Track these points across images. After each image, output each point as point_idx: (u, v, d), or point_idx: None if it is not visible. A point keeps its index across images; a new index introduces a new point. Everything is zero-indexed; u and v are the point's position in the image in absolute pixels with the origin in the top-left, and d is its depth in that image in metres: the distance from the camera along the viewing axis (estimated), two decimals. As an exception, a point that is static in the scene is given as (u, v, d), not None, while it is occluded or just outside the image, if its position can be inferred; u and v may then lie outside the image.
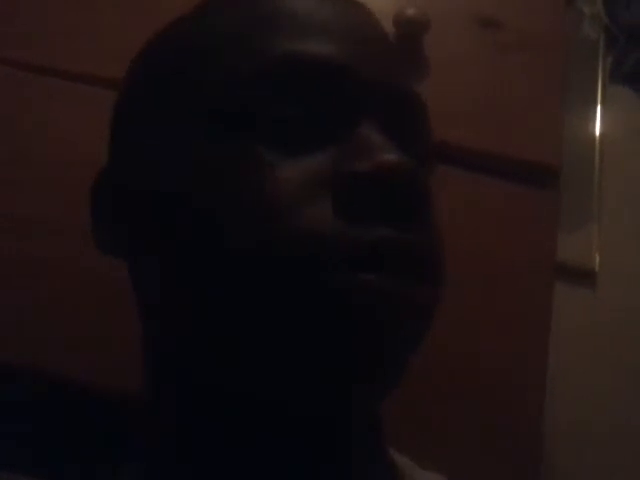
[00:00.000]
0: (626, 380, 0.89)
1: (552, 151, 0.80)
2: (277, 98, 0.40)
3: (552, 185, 0.79)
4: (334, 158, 0.40)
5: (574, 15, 1.05)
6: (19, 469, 0.57)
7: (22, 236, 0.70)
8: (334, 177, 0.39)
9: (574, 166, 0.95)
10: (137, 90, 0.48)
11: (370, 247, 0.37)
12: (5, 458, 0.57)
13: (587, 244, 0.96)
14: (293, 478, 0.42)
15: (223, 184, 0.39)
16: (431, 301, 0.41)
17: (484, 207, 0.76)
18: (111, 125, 0.50)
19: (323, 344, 0.38)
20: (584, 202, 0.98)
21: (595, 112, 1.05)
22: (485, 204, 0.76)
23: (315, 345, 0.38)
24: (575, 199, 0.96)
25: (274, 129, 0.40)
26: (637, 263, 0.97)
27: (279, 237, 0.37)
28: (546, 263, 0.75)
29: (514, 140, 0.80)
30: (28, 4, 0.81)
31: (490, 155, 0.79)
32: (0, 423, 0.65)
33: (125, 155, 0.48)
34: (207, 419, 0.43)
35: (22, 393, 0.67)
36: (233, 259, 0.39)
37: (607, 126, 1.04)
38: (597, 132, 1.03)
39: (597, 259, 0.96)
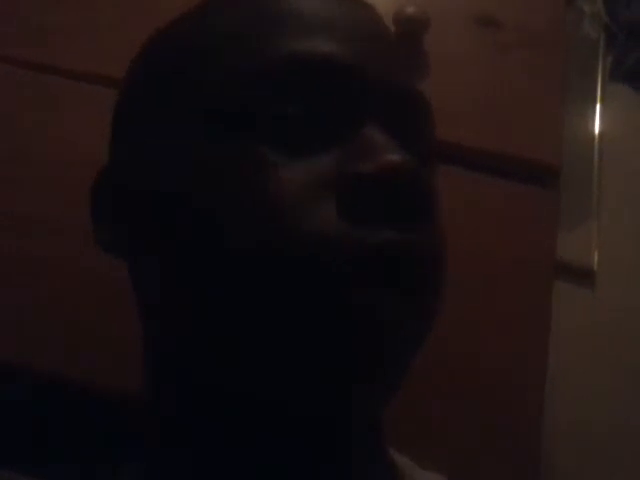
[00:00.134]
0: (625, 379, 0.89)
1: (552, 150, 0.80)
2: (280, 98, 0.40)
3: (552, 184, 0.79)
4: (338, 159, 0.40)
5: (574, 14, 1.05)
6: (19, 469, 0.57)
7: (22, 235, 0.70)
8: (338, 178, 0.39)
9: (573, 164, 0.94)
10: (137, 89, 0.48)
11: (373, 250, 0.37)
12: (5, 458, 0.57)
13: (586, 243, 0.96)
14: (293, 478, 0.42)
15: (224, 184, 0.39)
16: (433, 302, 0.41)
17: (484, 206, 0.76)
18: (112, 124, 0.50)
19: (323, 344, 0.37)
20: (583, 200, 0.98)
21: (595, 110, 1.05)
22: (485, 203, 0.76)
23: (315, 345, 0.38)
24: (574, 197, 0.96)
25: (277, 129, 0.40)
26: (636, 262, 0.96)
27: (281, 238, 0.37)
28: (546, 262, 0.76)
29: (514, 139, 0.80)
30: (28, 2, 0.81)
31: (490, 154, 0.79)
32: (0, 423, 0.64)
33: (125, 154, 0.47)
34: (207, 419, 0.43)
35: (22, 393, 0.67)
36: (234, 259, 0.38)
37: (607, 124, 1.04)
38: (597, 130, 1.03)
39: (596, 258, 0.95)
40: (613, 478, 0.84)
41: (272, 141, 0.40)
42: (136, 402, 0.49)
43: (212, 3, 0.47)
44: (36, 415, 0.67)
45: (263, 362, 0.39)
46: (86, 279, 0.68)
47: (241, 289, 0.38)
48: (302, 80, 0.40)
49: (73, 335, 0.66)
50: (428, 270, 0.40)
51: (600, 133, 1.03)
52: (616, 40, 1.08)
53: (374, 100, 0.42)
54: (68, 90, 0.77)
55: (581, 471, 0.84)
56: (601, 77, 1.06)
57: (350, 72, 0.41)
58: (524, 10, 0.86)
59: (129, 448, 0.50)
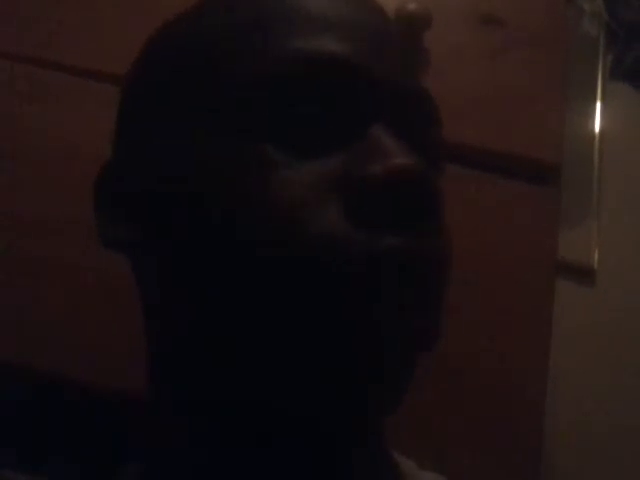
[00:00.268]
0: (626, 378, 0.89)
1: (553, 149, 0.80)
2: (285, 97, 0.40)
3: (553, 183, 0.79)
4: (345, 160, 0.39)
5: (574, 12, 1.05)
6: (19, 469, 0.57)
7: (22, 235, 0.70)
8: (344, 180, 0.38)
9: (574, 163, 0.94)
10: (140, 88, 0.48)
11: (378, 253, 0.37)
12: (5, 458, 0.57)
13: (586, 241, 0.96)
14: (293, 479, 0.42)
15: (226, 183, 0.39)
16: (437, 304, 0.41)
17: (484, 205, 0.76)
18: (116, 121, 0.50)
19: (323, 344, 0.37)
20: (583, 199, 0.98)
21: (595, 109, 1.04)
22: (485, 202, 0.76)
23: (315, 345, 0.38)
24: (574, 196, 0.96)
25: (282, 129, 0.40)
26: (636, 260, 0.96)
27: (284, 238, 0.37)
28: (547, 261, 0.75)
29: (514, 137, 0.79)
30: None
31: (490, 152, 0.79)
32: (0, 423, 0.65)
33: (127, 152, 0.47)
34: (207, 419, 0.43)
35: (22, 393, 0.67)
36: (233, 259, 0.38)
37: (607, 123, 1.04)
38: (597, 129, 1.03)
39: (596, 256, 0.95)
40: (613, 478, 0.84)
41: (277, 141, 0.39)
42: (136, 402, 0.49)
43: (214, 2, 0.46)
44: (36, 415, 0.67)
45: (262, 362, 0.39)
46: (86, 279, 0.68)
47: (240, 289, 0.38)
48: (308, 79, 0.40)
49: (73, 335, 0.66)
50: (432, 273, 0.40)
51: (600, 131, 1.03)
52: (616, 38, 1.08)
53: (381, 100, 0.41)
54: (69, 87, 0.77)
55: (581, 471, 0.84)
56: (601, 75, 1.06)
57: (356, 72, 0.41)
58: (525, 8, 0.86)
59: (129, 448, 0.50)
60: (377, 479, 0.46)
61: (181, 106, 0.43)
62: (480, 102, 0.80)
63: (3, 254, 0.69)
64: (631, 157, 1.02)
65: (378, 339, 0.38)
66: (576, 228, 0.96)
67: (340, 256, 0.37)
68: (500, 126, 0.80)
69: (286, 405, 0.41)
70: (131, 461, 0.49)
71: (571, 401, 0.86)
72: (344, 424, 0.42)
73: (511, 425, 0.68)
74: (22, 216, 0.71)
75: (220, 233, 0.39)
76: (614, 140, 1.02)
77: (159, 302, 0.45)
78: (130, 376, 0.52)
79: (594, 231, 0.96)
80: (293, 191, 0.38)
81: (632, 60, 1.07)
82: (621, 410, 0.88)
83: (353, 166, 0.39)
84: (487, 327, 0.71)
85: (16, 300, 0.68)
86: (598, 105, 1.05)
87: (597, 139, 1.02)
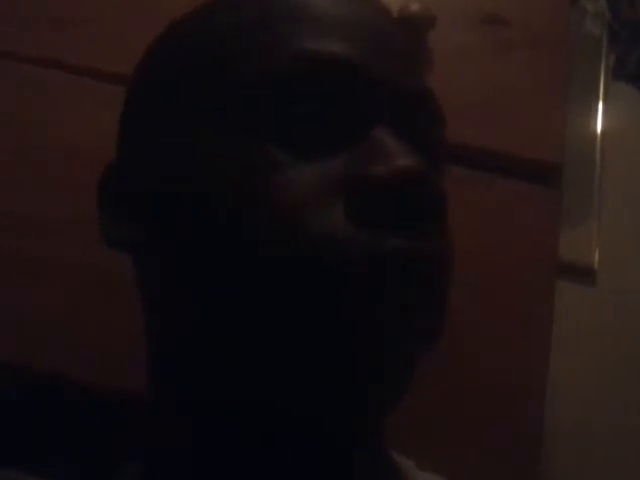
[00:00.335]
0: (627, 379, 0.89)
1: (555, 149, 0.80)
2: (287, 97, 0.40)
3: (554, 183, 0.79)
4: (347, 160, 0.39)
5: (577, 12, 1.05)
6: (19, 469, 0.57)
7: (22, 235, 0.70)
8: (347, 180, 0.38)
9: (575, 163, 0.94)
10: (145, 88, 0.48)
11: (380, 254, 0.37)
12: (5, 458, 0.57)
13: (587, 241, 0.96)
14: (294, 479, 0.42)
15: (229, 183, 0.39)
16: (439, 305, 0.41)
17: (485, 205, 0.76)
18: (120, 120, 0.50)
19: (324, 344, 0.38)
20: (584, 199, 0.98)
21: (597, 109, 1.04)
22: (486, 202, 0.76)
23: (316, 345, 0.38)
24: (575, 196, 0.96)
25: (284, 129, 0.40)
26: (637, 261, 0.96)
27: (286, 238, 0.37)
28: (548, 261, 0.75)
29: (516, 137, 0.79)
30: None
31: (492, 152, 0.79)
32: (0, 423, 0.65)
33: (132, 152, 0.47)
34: (208, 419, 0.43)
35: (22, 393, 0.67)
36: (236, 259, 0.38)
37: (609, 123, 1.04)
38: (599, 129, 1.03)
39: (597, 256, 0.95)
40: (614, 479, 0.84)
41: (279, 141, 0.39)
42: (136, 402, 0.49)
43: (220, 2, 0.47)
44: (36, 415, 0.67)
45: (264, 362, 0.39)
46: (86, 278, 0.68)
47: (243, 289, 0.38)
48: (309, 79, 0.40)
49: (73, 335, 0.66)
50: (435, 273, 0.40)
51: (602, 132, 1.03)
52: (619, 39, 1.08)
53: (383, 100, 0.41)
54: (70, 87, 0.77)
55: (581, 471, 0.84)
56: (604, 76, 1.06)
57: (358, 71, 0.41)
58: (528, 8, 0.86)
59: (129, 448, 0.50)
60: (377, 479, 0.47)
61: (186, 105, 0.43)
62: (482, 102, 0.80)
63: (3, 254, 0.69)
64: (633, 158, 1.02)
65: (379, 339, 0.38)
66: (577, 228, 0.95)
67: (342, 256, 0.37)
68: (502, 126, 0.80)
69: (287, 405, 0.41)
70: (131, 461, 0.49)
71: (572, 401, 0.86)
72: (345, 424, 0.42)
73: (511, 425, 0.68)
74: (22, 216, 0.71)
75: (224, 233, 0.39)
76: (616, 140, 1.02)
77: (162, 302, 0.45)
78: (130, 376, 0.52)
79: (595, 231, 0.96)
80: (295, 191, 0.38)
81: (635, 61, 1.07)
82: (622, 410, 0.87)
83: (355, 167, 0.39)
84: (487, 327, 0.71)
85: (16, 300, 0.68)
86: (600, 105, 1.05)
87: (599, 139, 1.02)
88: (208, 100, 0.42)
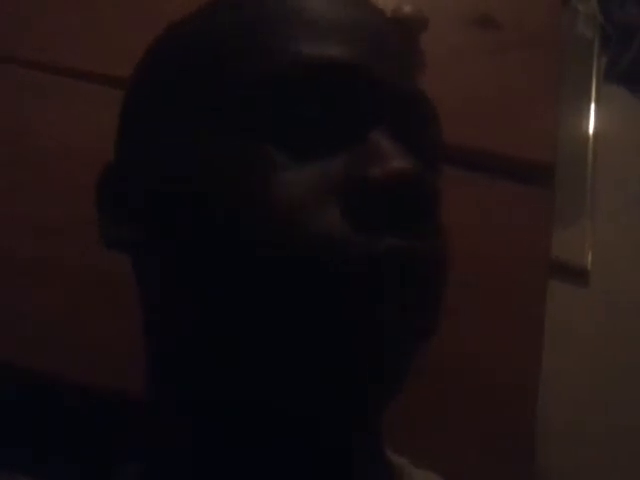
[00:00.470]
0: (620, 378, 0.89)
1: (547, 149, 0.79)
2: (286, 99, 0.40)
3: (547, 183, 0.79)
4: (345, 162, 0.40)
5: (569, 14, 1.05)
6: (19, 469, 0.57)
7: (22, 235, 0.70)
8: (344, 181, 0.39)
9: (568, 164, 0.95)
10: (145, 88, 0.48)
11: (377, 255, 0.37)
12: (5, 458, 0.57)
13: (580, 242, 0.96)
14: (293, 478, 0.43)
15: (228, 184, 0.39)
16: (434, 305, 0.42)
17: (478, 205, 0.76)
18: (119, 121, 0.50)
19: (323, 344, 0.38)
20: (577, 200, 0.98)
21: (589, 111, 1.05)
22: (479, 202, 0.76)
23: (315, 345, 0.38)
24: (568, 197, 0.96)
25: (282, 130, 0.40)
26: (629, 261, 0.97)
27: (283, 238, 0.38)
28: (541, 261, 0.75)
29: (508, 138, 0.79)
30: (30, 2, 0.81)
31: (484, 153, 0.79)
32: (0, 423, 0.64)
33: (132, 152, 0.47)
34: (207, 419, 0.43)
35: (22, 393, 0.67)
36: (236, 259, 0.39)
37: (601, 125, 1.04)
38: (591, 131, 1.04)
39: (590, 257, 0.96)
40: (607, 478, 0.84)
41: (277, 142, 0.40)
42: (136, 402, 0.49)
43: (220, 3, 0.47)
44: (36, 415, 0.67)
45: (263, 362, 0.40)
46: (86, 279, 0.68)
47: (241, 289, 0.39)
48: (307, 82, 0.40)
49: (73, 335, 0.66)
50: (431, 273, 0.40)
51: (595, 133, 1.03)
52: (611, 40, 1.09)
53: (380, 101, 0.42)
54: (68, 89, 0.77)
55: (573, 471, 0.84)
56: (596, 77, 1.07)
57: (356, 73, 0.41)
58: (520, 10, 0.86)
59: (129, 448, 0.50)
60: (375, 478, 0.47)
61: (186, 106, 0.43)
62: (474, 103, 0.80)
63: (3, 254, 0.69)
64: (624, 158, 1.03)
65: (379, 339, 0.38)
66: (570, 228, 0.96)
67: (338, 256, 0.37)
68: (494, 127, 0.80)
69: (287, 405, 0.41)
70: (131, 461, 0.49)
71: (565, 401, 0.86)
72: (344, 424, 0.42)
73: (504, 425, 0.68)
74: (22, 217, 0.71)
75: (223, 232, 0.39)
76: (608, 141, 1.03)
77: (162, 302, 0.45)
78: (130, 376, 0.52)
79: (588, 232, 0.97)
80: (292, 192, 0.38)
81: (626, 62, 1.07)
82: (614, 410, 0.88)
83: (353, 168, 0.39)
84: (481, 326, 0.71)
85: (16, 300, 0.68)
86: (592, 107, 1.05)
87: (591, 140, 1.03)
88: (206, 101, 0.42)
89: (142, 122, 0.47)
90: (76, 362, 0.65)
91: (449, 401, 0.68)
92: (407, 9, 0.79)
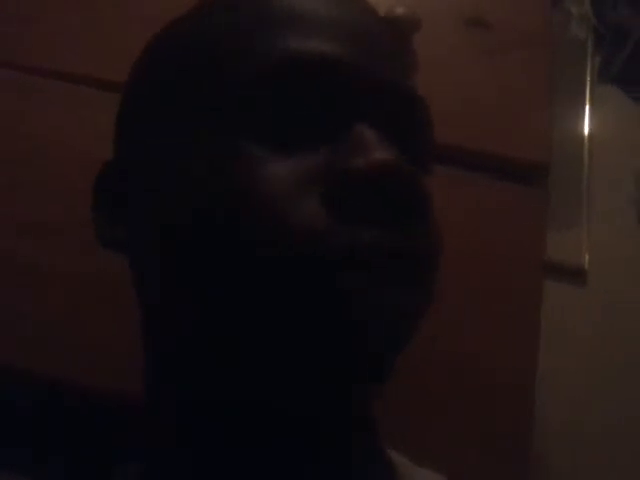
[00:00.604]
0: (616, 379, 0.90)
1: (541, 149, 0.79)
2: (275, 97, 0.40)
3: (540, 183, 0.79)
4: (328, 155, 0.40)
5: (562, 15, 1.06)
6: (19, 469, 0.57)
7: (22, 235, 0.70)
8: (327, 174, 0.39)
9: (563, 165, 0.95)
10: (141, 88, 0.48)
11: (360, 247, 0.37)
12: (5, 458, 0.57)
13: (577, 243, 0.96)
14: (293, 478, 0.43)
15: (220, 182, 0.39)
16: (422, 300, 0.42)
17: (472, 205, 0.76)
18: (116, 121, 0.50)
19: (323, 344, 0.38)
20: (573, 201, 0.99)
21: (584, 112, 1.05)
22: (473, 202, 0.76)
23: (315, 345, 0.38)
24: (564, 198, 0.96)
25: (266, 126, 0.40)
26: (626, 261, 0.97)
27: (268, 234, 0.38)
28: (535, 261, 0.75)
29: (502, 139, 0.79)
30: (28, 6, 0.81)
31: (478, 153, 0.79)
32: (0, 424, 0.64)
33: (130, 152, 0.48)
34: (207, 419, 0.43)
35: (22, 393, 0.66)
36: (234, 258, 0.39)
37: (596, 126, 1.04)
38: (586, 132, 1.04)
39: (587, 257, 0.96)
40: (605, 477, 0.84)
41: (265, 139, 0.40)
42: (136, 402, 0.49)
43: (215, 3, 0.47)
44: (36, 416, 0.67)
45: (263, 362, 0.40)
46: (86, 279, 0.68)
47: (239, 288, 0.39)
48: (296, 79, 0.40)
49: (73, 336, 0.66)
50: (418, 269, 0.40)
51: (590, 134, 1.04)
52: (604, 41, 1.09)
53: (365, 98, 0.42)
54: (68, 93, 0.77)
55: (570, 471, 0.84)
56: (589, 78, 1.07)
57: (339, 69, 0.41)
58: (513, 11, 0.86)
59: (129, 448, 0.50)
60: (375, 478, 0.47)
61: (184, 105, 0.43)
62: (467, 104, 0.80)
63: (3, 255, 0.69)
64: (619, 159, 1.03)
65: (379, 339, 0.38)
66: (567, 229, 0.96)
67: (321, 248, 0.37)
68: (487, 127, 0.79)
69: (286, 405, 0.41)
70: (131, 461, 0.49)
71: (562, 401, 0.86)
72: (344, 424, 0.42)
73: (507, 425, 0.67)
74: (22, 218, 0.71)
75: (215, 232, 0.39)
76: (603, 142, 1.03)
77: (161, 302, 0.45)
78: (130, 377, 0.52)
79: (585, 232, 0.97)
80: (276, 186, 0.38)
81: (620, 63, 1.08)
82: (610, 409, 0.88)
83: (335, 161, 0.39)
84: (476, 327, 0.71)
85: (16, 301, 0.67)
86: (587, 108, 1.05)
87: (586, 141, 1.03)
88: (199, 101, 0.42)
89: (140, 122, 0.47)
90: (76, 362, 0.65)
91: (447, 401, 0.68)
92: (400, 10, 0.79)
